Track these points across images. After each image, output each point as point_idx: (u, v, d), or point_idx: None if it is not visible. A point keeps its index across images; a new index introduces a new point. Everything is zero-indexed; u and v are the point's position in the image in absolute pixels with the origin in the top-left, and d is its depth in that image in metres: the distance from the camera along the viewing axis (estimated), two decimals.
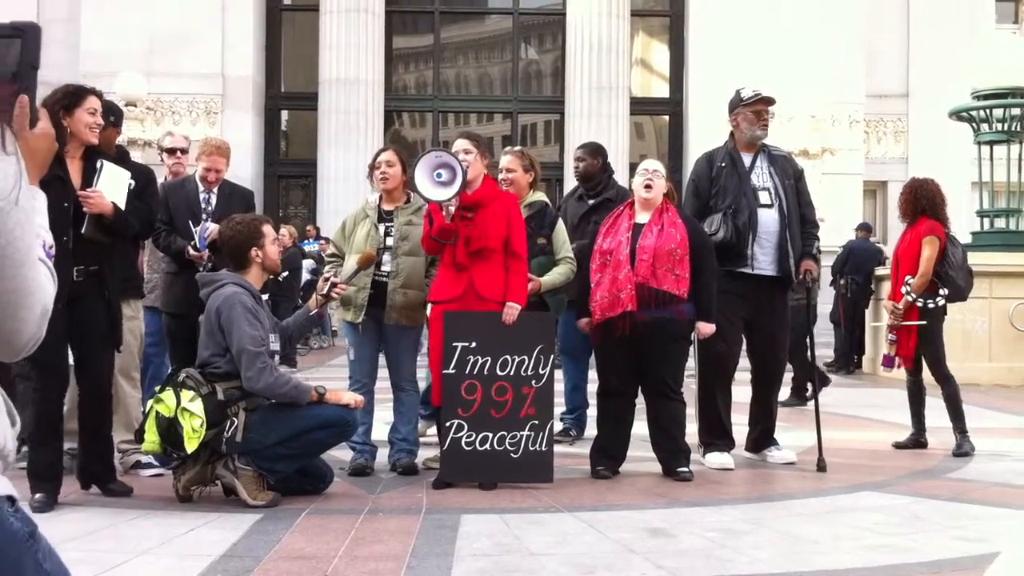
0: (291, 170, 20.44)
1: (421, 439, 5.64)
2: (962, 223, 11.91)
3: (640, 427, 5.42)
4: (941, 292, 6.23)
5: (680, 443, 5.29)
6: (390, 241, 5.31)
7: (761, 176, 5.79)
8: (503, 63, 21.09)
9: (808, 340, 6.08)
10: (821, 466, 5.40)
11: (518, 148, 6.51)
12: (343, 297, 5.19)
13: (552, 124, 20.72)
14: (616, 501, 4.70)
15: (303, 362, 12.46)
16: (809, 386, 8.55)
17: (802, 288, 5.93)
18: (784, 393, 7.73)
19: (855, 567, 3.57)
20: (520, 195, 5.74)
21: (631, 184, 5.66)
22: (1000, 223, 12.47)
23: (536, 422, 4.95)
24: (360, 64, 18.76)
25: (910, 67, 20.25)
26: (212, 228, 5.26)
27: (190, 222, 5.40)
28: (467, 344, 4.94)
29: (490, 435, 4.92)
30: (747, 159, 5.82)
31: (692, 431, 5.56)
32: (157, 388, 4.59)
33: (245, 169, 16.97)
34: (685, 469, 5.18)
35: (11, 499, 1.30)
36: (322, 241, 15.27)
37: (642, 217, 5.32)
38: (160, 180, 5.48)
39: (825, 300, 12.59)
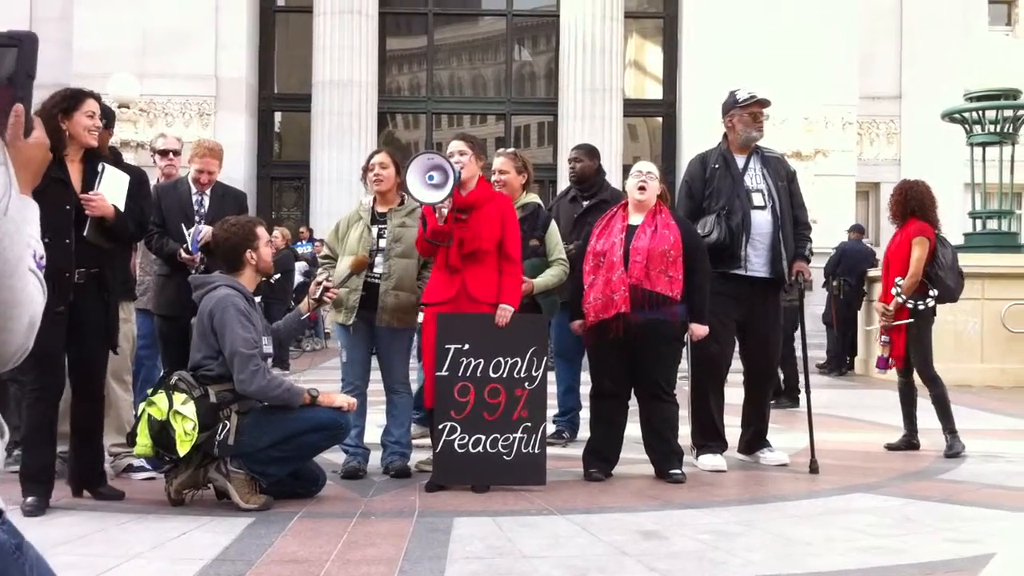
0: (284, 172, 20.41)
1: (414, 442, 5.63)
2: (954, 224, 11.95)
3: (633, 429, 5.42)
4: (931, 293, 6.24)
5: (673, 445, 5.29)
6: (383, 243, 5.30)
7: (754, 178, 5.80)
8: (496, 65, 21.09)
9: (802, 341, 6.07)
10: (814, 468, 5.41)
11: (511, 150, 6.51)
12: (335, 299, 5.18)
13: (545, 126, 20.72)
14: (609, 503, 4.70)
15: (295, 364, 12.45)
16: (783, 385, 8.57)
17: (794, 289, 5.94)
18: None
19: (847, 569, 3.58)
20: (513, 196, 5.74)
21: (624, 186, 5.67)
22: (992, 224, 12.50)
23: (529, 424, 4.94)
24: (353, 66, 18.76)
25: (903, 69, 20.26)
26: (205, 231, 5.24)
27: (182, 224, 5.39)
28: (460, 346, 4.94)
29: (483, 437, 4.91)
30: (740, 161, 5.83)
31: (685, 433, 5.56)
32: (149, 391, 4.57)
33: (238, 171, 16.93)
34: (678, 471, 5.18)
35: None
36: (317, 243, 15.25)
37: (635, 219, 5.32)
38: (152, 182, 5.47)
39: (818, 302, 12.64)
